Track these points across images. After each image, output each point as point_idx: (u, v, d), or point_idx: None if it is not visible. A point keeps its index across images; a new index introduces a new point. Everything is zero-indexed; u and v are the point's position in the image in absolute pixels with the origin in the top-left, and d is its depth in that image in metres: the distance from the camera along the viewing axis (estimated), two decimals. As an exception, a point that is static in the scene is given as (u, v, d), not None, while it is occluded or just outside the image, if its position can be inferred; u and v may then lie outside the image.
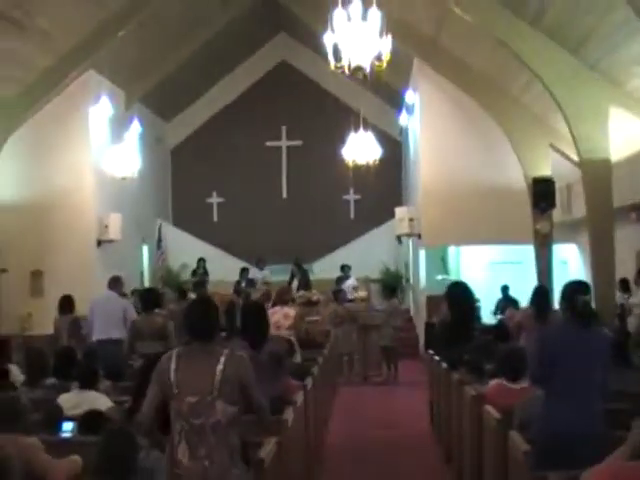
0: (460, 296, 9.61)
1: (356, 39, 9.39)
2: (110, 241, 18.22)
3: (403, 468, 9.25)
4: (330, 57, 9.62)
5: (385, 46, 9.62)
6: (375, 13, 9.55)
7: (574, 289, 5.55)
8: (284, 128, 24.96)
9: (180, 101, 24.63)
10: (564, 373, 5.18)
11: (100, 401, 6.69)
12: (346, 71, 9.57)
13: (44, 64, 16.55)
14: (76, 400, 6.69)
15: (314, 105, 23.79)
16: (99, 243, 18.10)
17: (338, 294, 16.71)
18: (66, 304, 12.14)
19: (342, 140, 19.10)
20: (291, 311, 11.21)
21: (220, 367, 4.59)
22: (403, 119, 21.16)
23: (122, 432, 4.68)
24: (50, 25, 15.59)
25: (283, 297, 11.57)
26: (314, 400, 8.70)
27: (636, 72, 11.73)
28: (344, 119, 19.64)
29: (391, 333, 15.97)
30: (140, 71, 19.71)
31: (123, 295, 12.82)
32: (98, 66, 17.88)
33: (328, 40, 9.52)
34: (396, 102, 21.76)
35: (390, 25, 10.77)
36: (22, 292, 17.88)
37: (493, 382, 7.11)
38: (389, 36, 9.69)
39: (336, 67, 9.57)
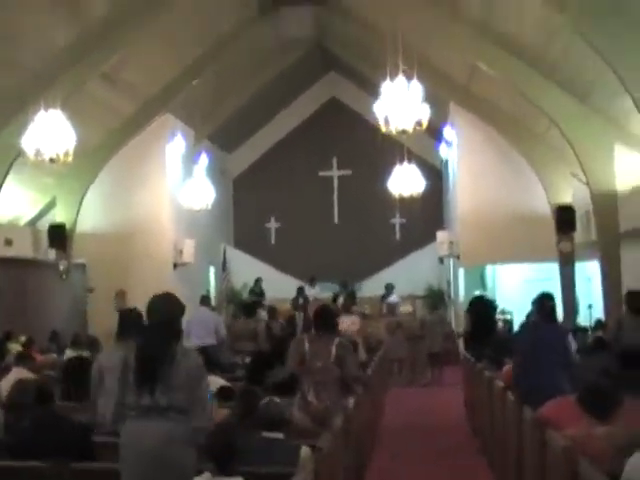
0: (478, 307, 11.97)
1: (400, 108, 11.66)
2: (184, 264, 20.61)
3: (441, 444, 11.45)
4: (381, 122, 11.92)
5: (424, 113, 11.89)
6: (416, 85, 11.86)
7: (543, 297, 7.81)
8: (335, 159, 26.88)
9: (241, 135, 26.88)
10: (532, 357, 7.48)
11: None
12: (393, 133, 11.91)
13: (128, 111, 19.11)
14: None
15: (362, 137, 25.35)
16: (175, 266, 20.49)
17: (390, 308, 18.97)
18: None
19: (388, 169, 20.82)
20: (356, 319, 13.57)
21: (334, 347, 7.54)
22: (443, 151, 23.25)
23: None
24: (134, 77, 18.10)
25: (349, 307, 13.94)
26: (372, 390, 10.92)
27: (636, 116, 13.76)
28: (390, 150, 20.78)
29: (436, 341, 18.15)
30: (208, 111, 22.08)
31: (212, 309, 15.14)
32: (172, 109, 20.39)
33: (378, 109, 11.84)
34: (437, 134, 23.80)
35: (427, 72, 13.02)
36: (108, 309, 20.29)
37: (506, 367, 9.30)
38: (427, 105, 11.93)
39: (386, 130, 11.86)
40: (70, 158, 12.11)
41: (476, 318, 11.86)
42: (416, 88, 11.86)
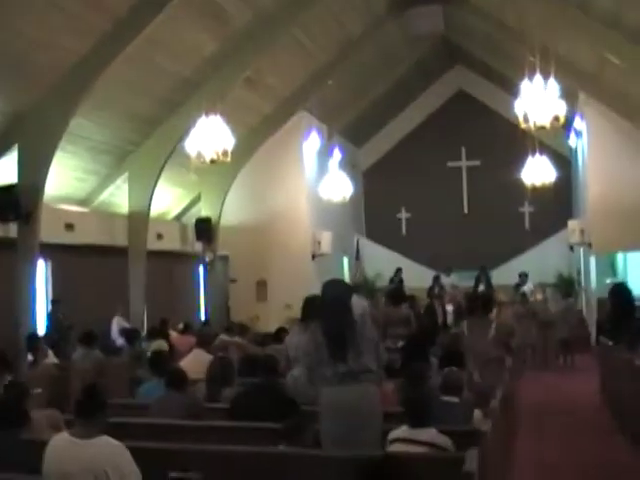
0: (619, 293, 12.42)
1: (538, 105, 12.27)
2: (322, 255, 21.62)
3: (579, 425, 11.97)
4: (520, 119, 12.55)
5: (561, 109, 12.47)
6: (552, 83, 12.45)
7: None
8: (463, 149, 27.37)
9: (370, 129, 27.74)
10: None
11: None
12: (532, 129, 12.56)
13: (267, 111, 20.22)
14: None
15: (490, 128, 26.01)
16: (313, 257, 21.52)
17: (521, 296, 19.44)
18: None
19: (516, 159, 21.40)
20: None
21: (492, 329, 8.66)
22: (572, 141, 23.44)
23: None
24: (273, 80, 19.18)
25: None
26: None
27: None
28: (518, 140, 20.62)
29: (567, 328, 18.54)
30: (340, 107, 23.02)
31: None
32: (307, 106, 21.40)
33: (518, 108, 12.48)
34: (566, 124, 23.93)
35: (558, 63, 13.50)
36: (249, 298, 21.54)
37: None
38: (563, 101, 12.50)
39: (525, 126, 12.51)
40: (229, 158, 13.21)
41: (617, 304, 12.36)
42: (553, 86, 12.42)
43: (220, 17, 15.25)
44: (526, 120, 12.56)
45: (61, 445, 4.89)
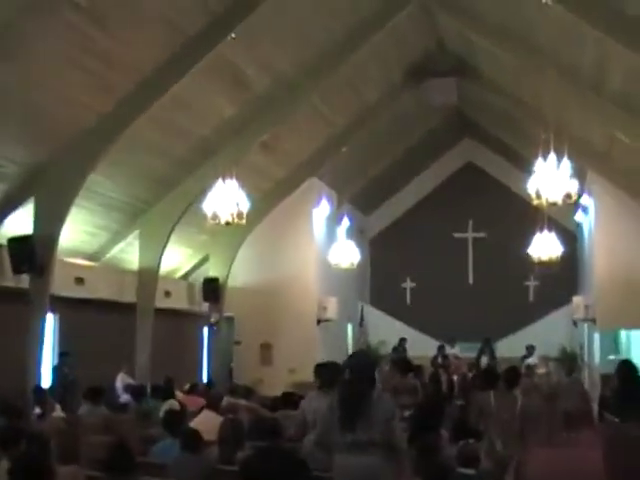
0: (625, 370, 12.45)
1: (551, 182, 12.51)
2: (327, 320, 21.70)
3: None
4: (533, 195, 12.76)
5: (573, 187, 12.72)
6: (565, 162, 12.70)
7: None
8: (470, 221, 27.57)
9: (378, 197, 27.96)
10: None
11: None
12: (544, 204, 12.77)
13: (279, 175, 20.49)
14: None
15: (497, 201, 26.40)
16: (318, 322, 21.59)
17: (529, 369, 19.47)
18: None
19: (522, 232, 21.51)
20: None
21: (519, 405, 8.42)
22: (579, 216, 23.65)
23: None
24: (287, 145, 19.47)
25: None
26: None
27: None
28: (526, 214, 20.68)
29: (571, 402, 18.47)
30: (350, 174, 23.26)
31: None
32: (319, 174, 21.67)
33: (531, 185, 12.71)
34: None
35: (563, 138, 13.76)
36: (253, 361, 21.52)
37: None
38: (576, 180, 12.75)
39: (537, 202, 12.73)
40: (244, 221, 13.41)
41: (623, 381, 12.40)
42: (566, 164, 12.67)
43: (238, 83, 15.57)
44: (538, 197, 12.76)
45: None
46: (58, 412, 11.76)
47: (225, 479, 7.19)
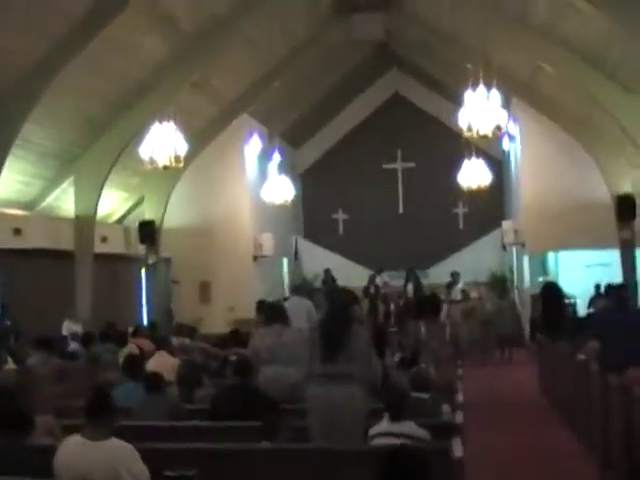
0: (550, 292, 13.15)
1: (482, 114, 12.85)
2: (263, 257, 21.96)
3: (522, 416, 12.59)
4: (464, 127, 13.09)
5: (502, 119, 13.07)
6: (494, 93, 13.03)
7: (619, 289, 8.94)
8: (399, 152, 27.81)
9: (308, 131, 28.00)
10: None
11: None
12: (475, 136, 13.11)
13: (211, 114, 20.46)
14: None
15: (425, 131, 26.81)
16: (255, 258, 21.84)
17: (465, 294, 20.27)
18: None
19: (450, 161, 22.08)
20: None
21: (447, 330, 9.21)
22: (505, 144, 24.17)
23: None
24: (218, 83, 19.43)
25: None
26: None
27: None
28: (453, 142, 21.65)
29: (506, 324, 19.28)
30: (280, 109, 23.30)
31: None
32: (249, 110, 21.68)
33: (462, 116, 13.02)
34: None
35: (491, 70, 14.10)
36: (193, 300, 21.72)
37: (590, 343, 10.20)
38: (505, 111, 13.09)
39: (468, 134, 13.06)
40: (182, 164, 13.47)
41: (549, 302, 13.06)
42: (495, 96, 13.00)
43: (166, 23, 15.46)
44: (469, 129, 13.12)
45: (74, 448, 5.08)
46: (11, 365, 11.78)
47: (189, 417, 7.52)
